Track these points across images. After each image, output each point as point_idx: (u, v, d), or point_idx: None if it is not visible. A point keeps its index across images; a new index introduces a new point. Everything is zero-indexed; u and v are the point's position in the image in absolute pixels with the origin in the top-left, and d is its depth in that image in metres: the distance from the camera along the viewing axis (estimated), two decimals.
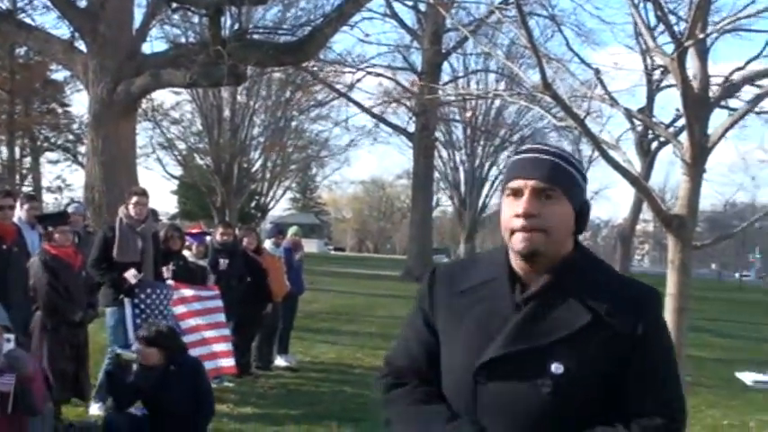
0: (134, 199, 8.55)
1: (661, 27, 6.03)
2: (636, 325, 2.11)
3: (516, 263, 2.21)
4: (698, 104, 6.02)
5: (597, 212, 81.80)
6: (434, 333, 2.32)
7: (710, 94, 6.20)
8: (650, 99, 28.28)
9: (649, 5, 5.64)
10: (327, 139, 43.93)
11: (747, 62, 6.96)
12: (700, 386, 11.51)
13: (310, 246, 72.17)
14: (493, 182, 46.82)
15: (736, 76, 6.26)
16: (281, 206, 71.04)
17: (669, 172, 76.98)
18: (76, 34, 18.39)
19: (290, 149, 42.80)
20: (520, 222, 2.12)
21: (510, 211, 2.15)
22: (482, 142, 42.54)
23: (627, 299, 2.16)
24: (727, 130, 6.14)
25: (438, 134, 38.61)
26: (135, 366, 6.61)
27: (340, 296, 25.05)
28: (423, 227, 35.09)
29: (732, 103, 6.69)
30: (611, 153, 6.81)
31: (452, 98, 21.59)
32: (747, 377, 3.23)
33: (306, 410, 9.29)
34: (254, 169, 41.96)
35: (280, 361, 12.08)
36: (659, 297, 2.27)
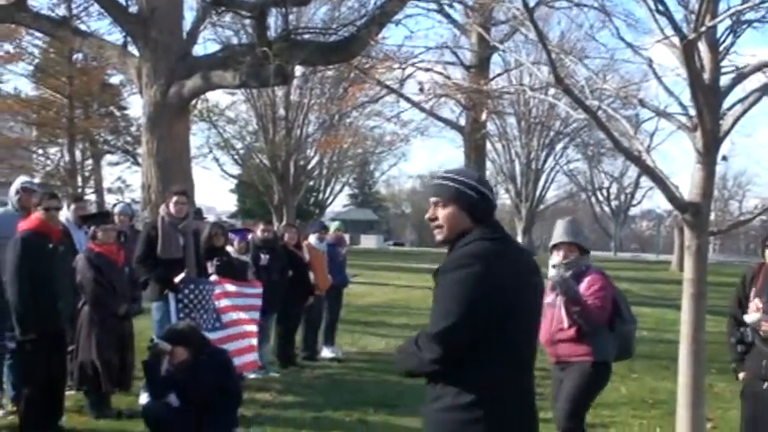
0: (174, 198, 8.97)
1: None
2: None
3: None
4: (709, 94, 6.15)
5: (659, 202, 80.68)
6: None
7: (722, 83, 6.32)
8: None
9: None
10: (382, 134, 44.06)
11: None
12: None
13: (369, 241, 72.39)
14: (549, 173, 46.62)
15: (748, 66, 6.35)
16: (339, 202, 71.50)
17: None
18: (129, 39, 18.79)
19: (346, 146, 42.91)
20: None
21: None
22: (537, 134, 42.26)
23: None
24: (738, 118, 6.26)
25: (491, 126, 38.37)
26: (168, 358, 6.93)
27: (396, 290, 25.17)
28: None
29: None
30: (632, 143, 6.98)
31: (497, 92, 21.56)
32: None
33: (347, 398, 9.54)
34: (310, 166, 42.18)
35: (326, 352, 12.36)
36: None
